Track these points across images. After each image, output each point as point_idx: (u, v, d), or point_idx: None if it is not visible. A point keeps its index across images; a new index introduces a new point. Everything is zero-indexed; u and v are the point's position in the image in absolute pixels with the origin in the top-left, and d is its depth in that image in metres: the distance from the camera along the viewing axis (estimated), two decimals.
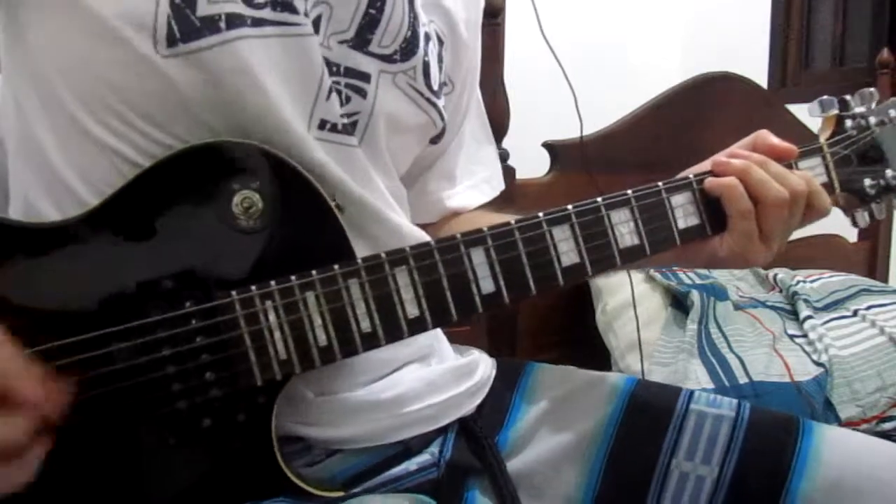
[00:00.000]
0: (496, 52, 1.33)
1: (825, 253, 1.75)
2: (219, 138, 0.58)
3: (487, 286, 0.59)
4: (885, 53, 1.84)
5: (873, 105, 0.74)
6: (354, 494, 0.63)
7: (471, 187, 0.85)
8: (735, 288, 1.59)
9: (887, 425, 1.27)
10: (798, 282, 1.59)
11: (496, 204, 0.88)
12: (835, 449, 0.65)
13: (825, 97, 0.74)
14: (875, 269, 1.84)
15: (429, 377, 0.69)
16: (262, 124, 0.59)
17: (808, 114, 0.75)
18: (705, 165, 0.68)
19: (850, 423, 1.25)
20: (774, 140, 0.68)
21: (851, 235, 1.87)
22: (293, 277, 0.55)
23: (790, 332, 1.43)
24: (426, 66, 0.69)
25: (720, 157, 0.68)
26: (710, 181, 0.66)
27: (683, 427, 0.69)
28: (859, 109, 0.73)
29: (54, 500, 0.53)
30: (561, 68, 0.97)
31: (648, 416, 0.70)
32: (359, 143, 0.65)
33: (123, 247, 0.55)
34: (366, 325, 0.57)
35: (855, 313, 1.47)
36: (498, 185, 0.89)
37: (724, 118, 1.60)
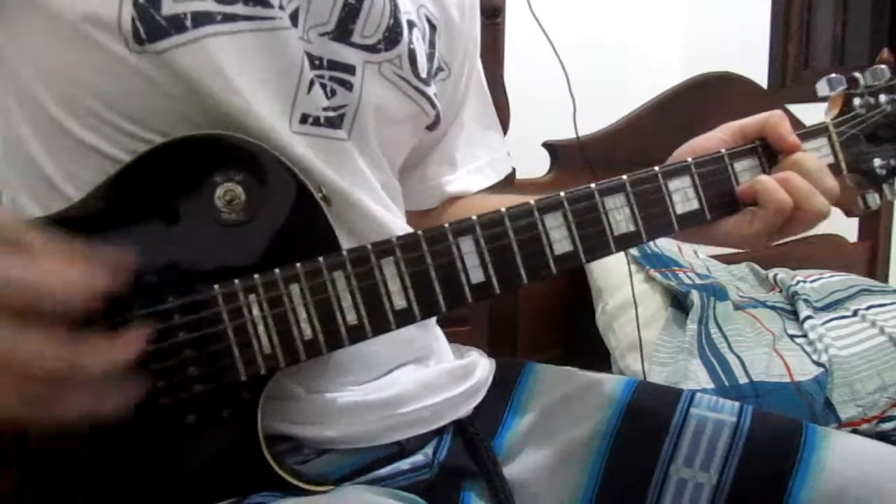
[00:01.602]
0: (496, 52, 1.32)
1: (825, 253, 1.73)
2: (200, 131, 0.57)
3: (477, 276, 0.58)
4: (885, 53, 1.82)
5: (884, 83, 0.71)
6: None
7: (473, 171, 0.85)
8: (735, 288, 1.58)
9: (887, 425, 1.25)
10: (798, 282, 1.57)
11: (499, 188, 0.86)
12: (839, 456, 0.64)
13: (833, 75, 0.71)
14: (875, 269, 1.82)
15: (425, 378, 0.68)
16: (239, 122, 0.58)
17: (818, 92, 0.72)
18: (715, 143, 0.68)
19: (850, 423, 1.24)
20: (784, 131, 0.67)
21: (851, 235, 1.86)
22: (277, 270, 0.55)
23: (790, 332, 1.42)
24: (412, 53, 0.68)
25: (730, 126, 0.68)
26: (746, 186, 0.65)
27: (683, 432, 0.68)
28: (869, 87, 0.71)
29: (37, 500, 0.52)
30: (560, 63, 0.96)
31: (647, 420, 0.69)
32: (347, 137, 0.64)
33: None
34: (352, 318, 0.56)
35: (855, 313, 1.46)
36: (503, 169, 0.88)
37: (724, 118, 1.58)
